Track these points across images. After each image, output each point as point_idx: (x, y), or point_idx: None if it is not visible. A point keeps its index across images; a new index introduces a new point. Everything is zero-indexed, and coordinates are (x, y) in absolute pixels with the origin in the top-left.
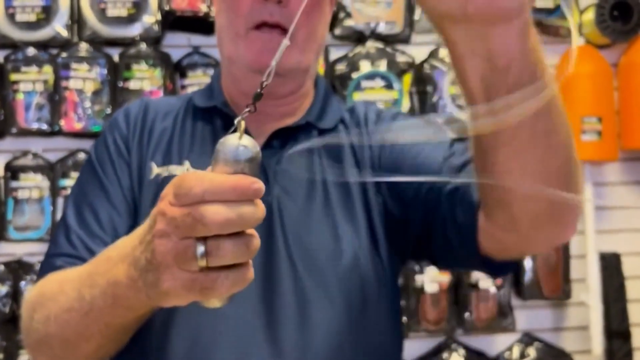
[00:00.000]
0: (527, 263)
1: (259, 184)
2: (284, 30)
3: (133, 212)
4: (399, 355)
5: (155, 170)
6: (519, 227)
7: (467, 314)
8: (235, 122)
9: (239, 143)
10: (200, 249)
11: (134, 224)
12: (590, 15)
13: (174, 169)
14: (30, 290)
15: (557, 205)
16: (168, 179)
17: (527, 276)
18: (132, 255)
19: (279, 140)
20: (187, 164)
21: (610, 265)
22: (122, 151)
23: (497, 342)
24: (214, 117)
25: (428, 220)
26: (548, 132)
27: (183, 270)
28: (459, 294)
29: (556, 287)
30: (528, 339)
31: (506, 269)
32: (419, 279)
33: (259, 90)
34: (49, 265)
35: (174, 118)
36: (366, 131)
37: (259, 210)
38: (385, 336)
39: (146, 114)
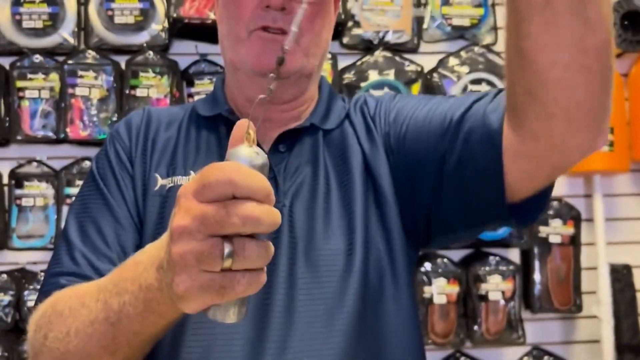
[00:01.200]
0: (537, 276)
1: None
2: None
3: (139, 225)
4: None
5: (160, 181)
6: (552, 124)
7: (476, 327)
8: (251, 112)
9: (253, 150)
10: (228, 247)
11: (140, 238)
12: None
13: (179, 179)
14: (37, 311)
15: (592, 97)
16: (173, 189)
17: (537, 288)
18: (159, 257)
19: (285, 144)
20: (192, 174)
21: (622, 277)
22: (125, 163)
23: (506, 356)
24: (219, 125)
25: (442, 175)
26: (585, 1)
27: (202, 271)
28: (467, 306)
29: (566, 300)
30: (538, 352)
31: (532, 213)
32: (427, 290)
33: (273, 74)
34: (53, 285)
35: (178, 127)
36: (371, 118)
37: (277, 213)
38: (398, 337)
39: (149, 123)
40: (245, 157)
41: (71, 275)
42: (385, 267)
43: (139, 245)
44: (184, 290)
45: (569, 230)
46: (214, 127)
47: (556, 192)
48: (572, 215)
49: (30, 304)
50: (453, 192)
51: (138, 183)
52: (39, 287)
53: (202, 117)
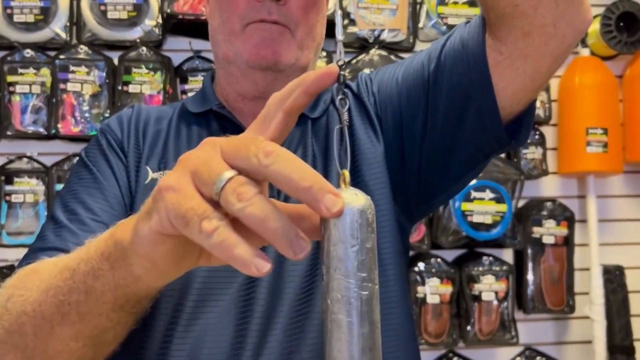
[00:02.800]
0: (530, 276)
1: (336, 199)
2: (283, 27)
3: (128, 209)
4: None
5: (151, 174)
6: (541, 12)
7: (469, 327)
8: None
9: (354, 194)
10: (227, 174)
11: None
12: (595, 26)
13: None
14: (5, 283)
15: None
16: None
17: (530, 289)
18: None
19: None
20: None
21: (614, 278)
22: (118, 152)
23: (499, 356)
24: (210, 120)
25: (435, 119)
26: None
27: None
28: (461, 306)
29: (559, 300)
30: (530, 353)
31: (525, 130)
32: (420, 290)
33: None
34: (30, 261)
35: (168, 123)
36: (356, 95)
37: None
38: (387, 331)
39: (138, 119)
40: (355, 207)
41: (54, 250)
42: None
43: None
44: (152, 223)
45: (563, 231)
46: (205, 123)
47: (550, 193)
48: (565, 216)
49: None
50: (449, 133)
51: (132, 172)
52: None
53: (192, 114)
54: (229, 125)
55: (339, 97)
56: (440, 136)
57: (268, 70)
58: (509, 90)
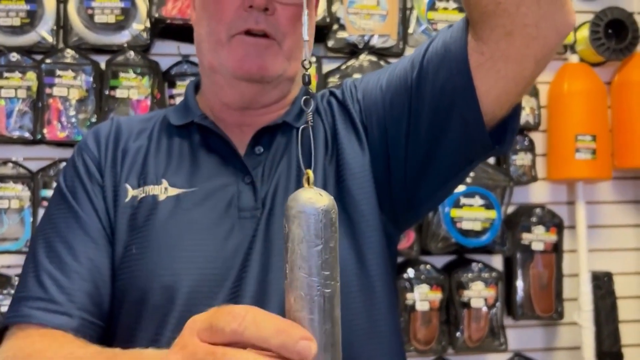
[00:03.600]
0: (519, 283)
1: (308, 343)
2: (269, 38)
3: (111, 237)
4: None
5: (131, 192)
6: (523, 12)
7: (458, 333)
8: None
9: (316, 192)
10: None
11: (112, 251)
12: (584, 33)
13: (151, 189)
14: (1, 352)
15: None
16: (144, 200)
17: (520, 295)
18: None
19: (261, 146)
20: (164, 182)
21: (603, 284)
22: (94, 174)
23: None
24: (192, 133)
25: (418, 125)
26: None
27: None
28: (450, 313)
29: (548, 307)
30: (519, 359)
31: (510, 135)
32: (409, 297)
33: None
34: (16, 313)
35: (149, 136)
36: (341, 103)
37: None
38: (368, 334)
39: (118, 133)
40: (306, 203)
41: (37, 300)
42: (348, 260)
43: (112, 257)
44: None
45: (552, 237)
46: (186, 135)
47: (539, 199)
48: (554, 223)
49: (4, 309)
50: (433, 139)
51: (108, 194)
52: (12, 292)
53: (174, 126)
54: (212, 137)
55: (304, 97)
56: (424, 142)
57: (254, 81)
58: (492, 94)
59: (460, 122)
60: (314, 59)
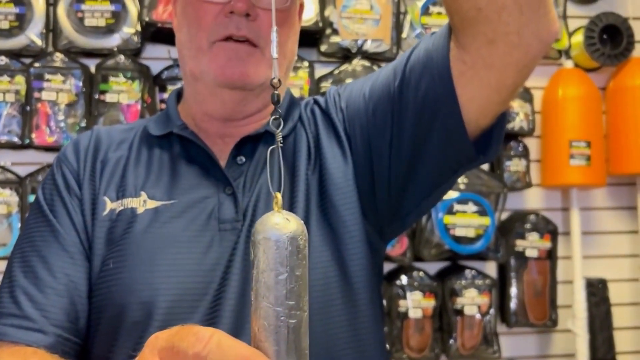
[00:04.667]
0: (513, 290)
1: None
2: (251, 44)
3: (88, 252)
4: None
5: (109, 205)
6: (505, 20)
7: (451, 341)
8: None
9: (283, 217)
10: None
11: (90, 266)
12: (579, 38)
13: (129, 201)
14: None
15: None
16: (123, 213)
17: (513, 302)
18: None
19: (242, 155)
20: (143, 194)
21: (597, 291)
22: (73, 187)
23: None
24: (173, 143)
25: (401, 134)
26: None
27: None
28: (443, 320)
29: (542, 314)
30: None
31: (495, 144)
32: (402, 304)
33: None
34: None
35: (129, 147)
36: (324, 112)
37: None
38: (354, 348)
39: (98, 144)
40: (272, 228)
41: (10, 316)
42: (331, 271)
43: (89, 273)
44: None
45: (546, 244)
46: (167, 146)
47: (533, 205)
48: (549, 229)
49: None
50: (416, 148)
51: (87, 206)
52: None
53: (154, 137)
54: (193, 147)
55: (272, 117)
56: (407, 151)
57: (236, 89)
58: (475, 103)
59: (442, 132)
60: (306, 64)
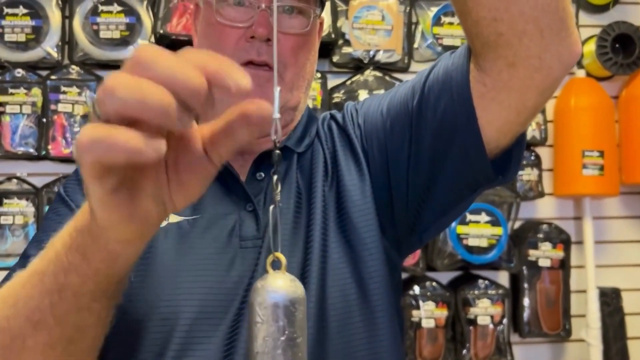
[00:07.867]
0: (526, 300)
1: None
2: (271, 69)
3: None
4: None
5: None
6: (526, 44)
7: (464, 351)
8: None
9: (289, 278)
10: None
11: None
12: (591, 47)
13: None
14: None
15: (546, 12)
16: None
17: (527, 312)
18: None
19: (262, 171)
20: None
21: (610, 301)
22: None
23: None
24: None
25: (419, 152)
26: None
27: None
28: (456, 330)
29: (556, 324)
30: None
31: (514, 164)
32: (415, 314)
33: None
34: None
35: None
36: (342, 128)
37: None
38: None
39: None
40: (270, 292)
41: None
42: (350, 289)
43: None
44: (79, 147)
45: (559, 254)
46: None
47: (546, 214)
48: (561, 239)
49: None
50: (434, 168)
51: None
52: None
53: None
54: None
55: (274, 176)
56: (426, 169)
57: None
58: (494, 125)
59: (461, 151)
60: (318, 75)
